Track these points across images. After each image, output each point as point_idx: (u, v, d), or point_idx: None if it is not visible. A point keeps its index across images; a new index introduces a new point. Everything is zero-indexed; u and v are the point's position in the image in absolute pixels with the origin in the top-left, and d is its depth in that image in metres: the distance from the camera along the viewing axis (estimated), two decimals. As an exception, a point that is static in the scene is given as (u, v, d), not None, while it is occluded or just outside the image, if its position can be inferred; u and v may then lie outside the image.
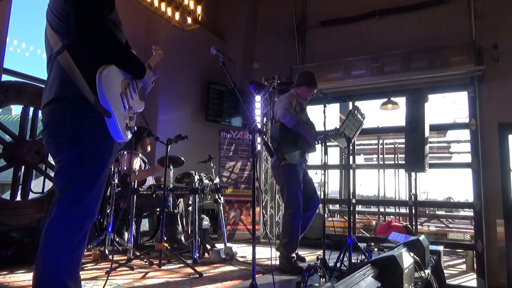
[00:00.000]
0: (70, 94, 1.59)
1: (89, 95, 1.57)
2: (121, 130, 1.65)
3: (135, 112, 1.83)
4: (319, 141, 3.30)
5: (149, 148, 4.20)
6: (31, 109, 3.57)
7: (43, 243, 1.54)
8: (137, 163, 3.66)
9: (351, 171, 3.56)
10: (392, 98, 6.28)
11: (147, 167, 4.41)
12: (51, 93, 1.62)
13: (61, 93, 1.60)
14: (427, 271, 2.62)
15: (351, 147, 3.32)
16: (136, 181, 3.65)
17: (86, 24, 1.56)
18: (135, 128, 1.82)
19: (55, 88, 1.61)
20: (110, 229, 3.46)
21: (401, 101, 6.16)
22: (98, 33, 1.58)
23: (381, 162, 8.88)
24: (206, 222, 3.94)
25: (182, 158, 3.89)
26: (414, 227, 4.94)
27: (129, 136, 1.75)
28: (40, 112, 3.64)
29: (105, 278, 2.74)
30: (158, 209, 3.93)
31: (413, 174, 4.97)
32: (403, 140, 5.13)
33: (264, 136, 2.28)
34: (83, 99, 1.58)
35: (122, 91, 1.69)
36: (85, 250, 3.30)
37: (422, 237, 2.95)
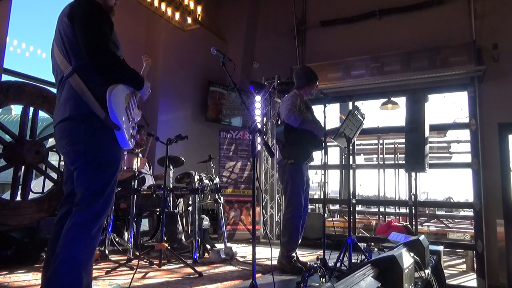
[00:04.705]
0: (83, 112, 1.78)
1: (100, 112, 1.76)
2: (128, 139, 1.88)
3: (136, 122, 2.03)
4: (326, 138, 3.27)
5: (143, 143, 4.18)
6: (31, 109, 3.57)
7: (66, 242, 1.69)
8: (137, 162, 3.66)
9: (351, 171, 3.56)
10: (392, 98, 6.27)
11: (148, 167, 4.41)
12: (65, 112, 1.81)
13: (75, 111, 1.79)
14: (427, 271, 2.62)
15: (351, 147, 3.32)
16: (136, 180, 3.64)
17: (95, 48, 1.73)
18: (138, 136, 2.04)
19: (69, 107, 1.80)
20: (110, 229, 3.46)
21: (401, 101, 6.16)
22: (106, 56, 1.76)
23: (381, 162, 8.89)
24: (206, 222, 3.94)
25: (182, 158, 3.89)
26: (414, 227, 4.94)
27: (133, 143, 1.98)
28: (39, 112, 3.65)
29: (105, 278, 2.75)
30: (158, 209, 3.93)
31: (413, 174, 4.97)
32: (403, 140, 5.12)
33: (264, 136, 2.28)
34: (94, 115, 1.77)
35: (126, 105, 1.90)
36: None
37: (422, 237, 2.94)
